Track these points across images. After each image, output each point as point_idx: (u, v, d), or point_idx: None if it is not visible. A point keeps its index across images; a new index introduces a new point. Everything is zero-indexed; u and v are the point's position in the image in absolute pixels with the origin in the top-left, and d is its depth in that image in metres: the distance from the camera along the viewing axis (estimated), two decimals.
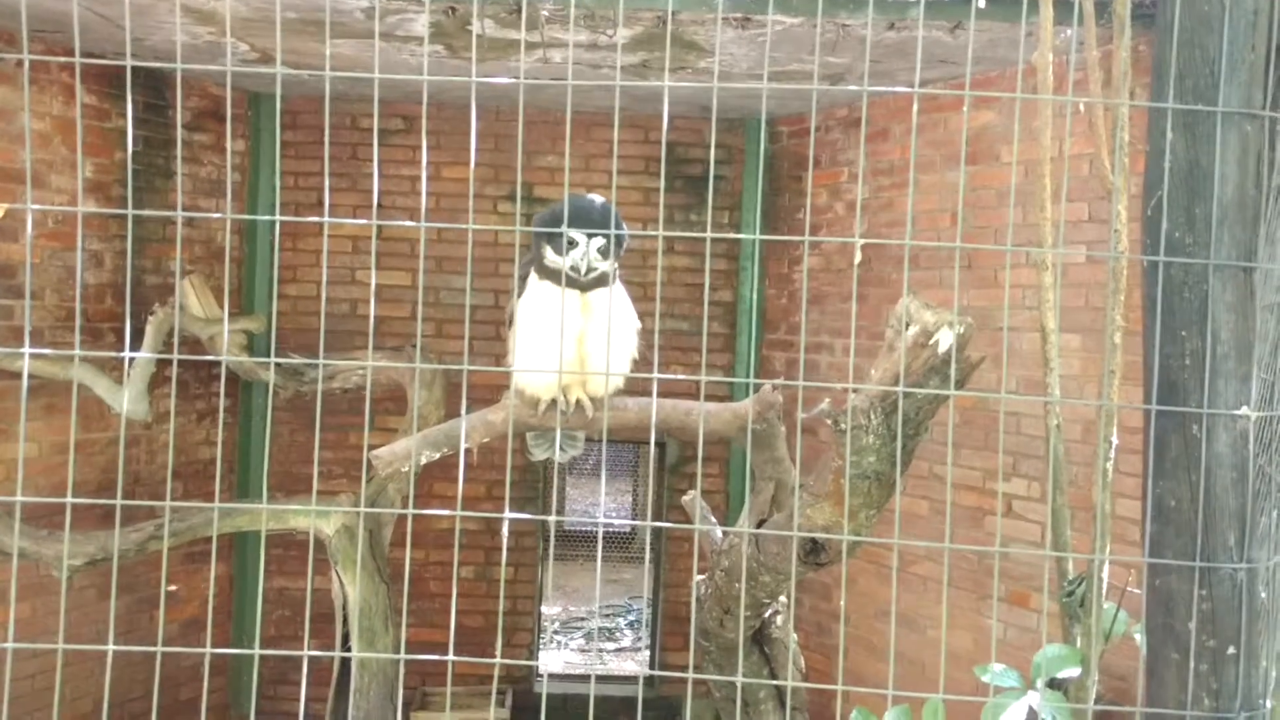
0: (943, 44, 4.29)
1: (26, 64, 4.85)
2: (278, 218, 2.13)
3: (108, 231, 5.31)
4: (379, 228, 6.07)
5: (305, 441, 6.13)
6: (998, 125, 4.72)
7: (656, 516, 6.98)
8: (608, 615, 8.32)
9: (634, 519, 9.50)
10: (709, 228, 1.96)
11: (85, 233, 5.18)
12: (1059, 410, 2.90)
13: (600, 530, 9.58)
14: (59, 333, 5.13)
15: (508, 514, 2.09)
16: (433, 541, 6.15)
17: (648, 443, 6.93)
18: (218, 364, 5.38)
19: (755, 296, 6.17)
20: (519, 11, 4.11)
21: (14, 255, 4.91)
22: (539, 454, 3.20)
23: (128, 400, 4.83)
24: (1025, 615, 4.53)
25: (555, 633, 8.13)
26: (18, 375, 4.81)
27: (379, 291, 6.16)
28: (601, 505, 10.53)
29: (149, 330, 4.95)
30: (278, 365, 5.56)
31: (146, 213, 5.45)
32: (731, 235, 2.26)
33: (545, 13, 4.08)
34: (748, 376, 6.12)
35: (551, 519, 2.04)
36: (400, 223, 5.99)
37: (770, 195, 6.13)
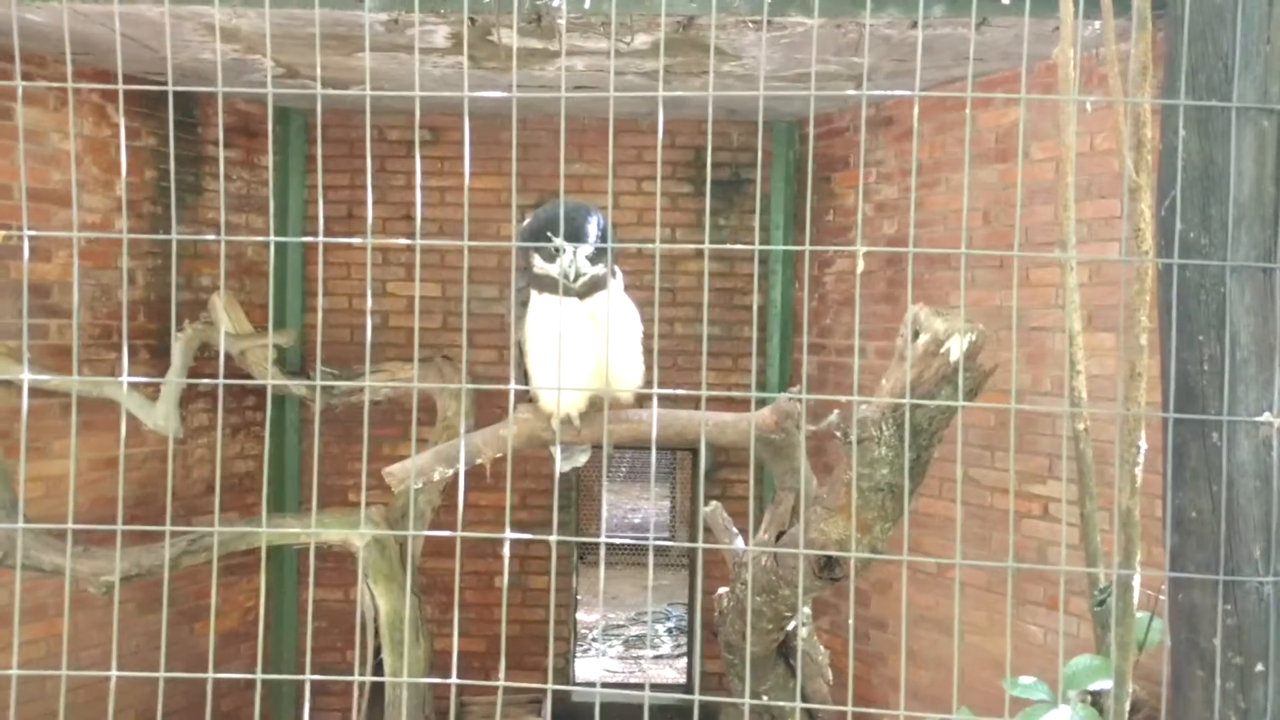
0: (967, 41, 4.21)
1: (71, 93, 4.90)
2: (320, 239, 2.14)
3: (139, 249, 5.37)
4: (407, 241, 6.09)
5: (339, 454, 6.16)
6: (1027, 122, 4.63)
7: (692, 523, 6.94)
8: (646, 622, 8.29)
9: (672, 524, 9.46)
10: (705, 235, 1.92)
11: (117, 251, 5.24)
12: (1086, 413, 2.83)
13: (651, 539, 9.55)
14: (92, 350, 5.19)
15: (509, 534, 2.07)
16: (468, 550, 6.15)
17: (683, 449, 6.89)
18: (248, 377, 5.42)
19: (783, 299, 6.11)
20: (538, 21, 4.09)
21: (48, 275, 4.97)
22: (565, 466, 3.21)
23: (160, 417, 4.88)
24: (1066, 620, 4.44)
25: (594, 640, 8.11)
26: (53, 394, 4.87)
27: (411, 304, 6.18)
28: (652, 513, 10.49)
29: (177, 347, 5.00)
30: (308, 379, 5.59)
31: (189, 237, 5.50)
32: (731, 246, 2.22)
33: (561, 21, 4.06)
34: (779, 381, 6.06)
35: (553, 539, 2.01)
36: (444, 242, 5.99)
37: (798, 197, 6.07)
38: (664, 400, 3.11)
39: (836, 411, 2.38)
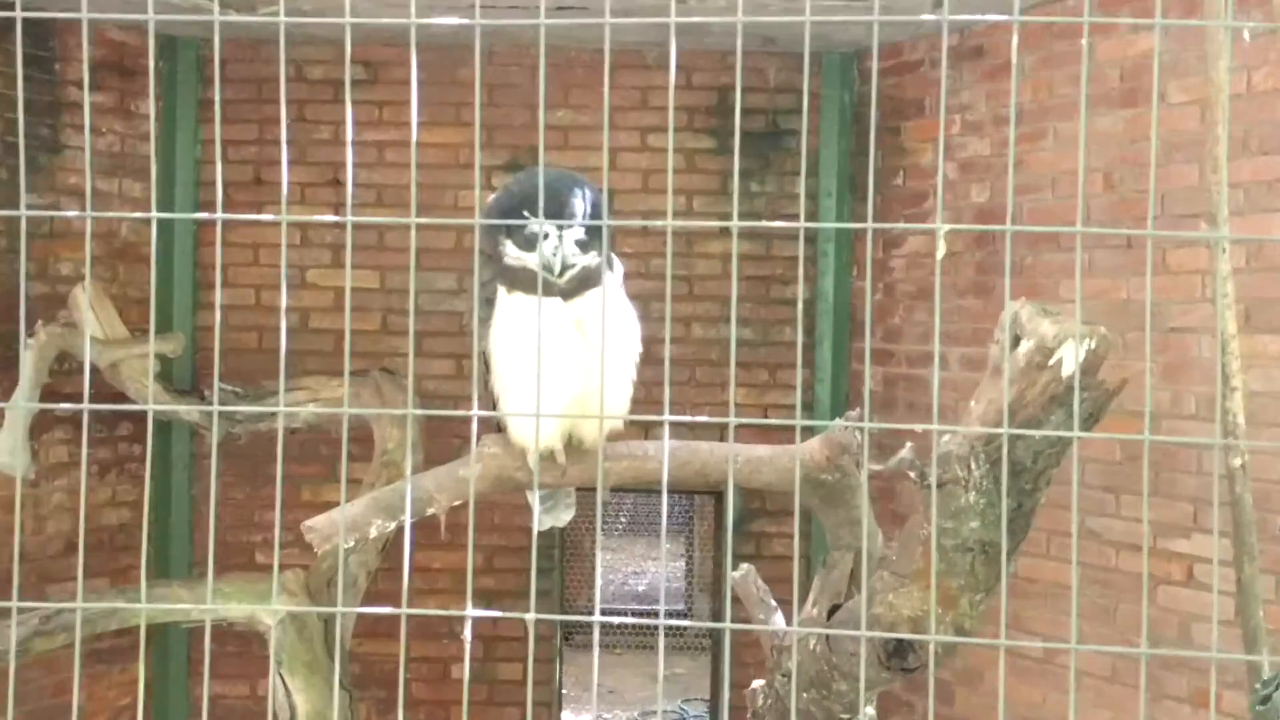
0: None
1: None
2: (220, 215, 2.11)
3: None
4: (334, 219, 6.10)
5: (243, 500, 6.16)
6: (1164, 54, 4.62)
7: (716, 592, 6.92)
8: None
9: (689, 594, 9.44)
10: (733, 207, 1.92)
11: None
12: (1244, 446, 2.83)
13: (661, 615, 9.53)
14: None
15: (471, 610, 2.06)
16: (416, 630, 6.15)
17: (703, 492, 6.88)
18: (123, 397, 5.41)
19: (837, 291, 6.11)
20: None
21: None
22: (547, 522, 3.22)
23: (4, 452, 4.88)
24: None
25: None
26: None
27: (339, 298, 6.18)
28: (663, 578, 10.49)
29: (27, 358, 5.00)
30: (203, 400, 5.58)
31: (43, 212, 5.50)
32: (767, 224, 2.22)
33: None
34: (833, 402, 6.06)
35: (529, 616, 2.00)
36: (385, 219, 6.03)
37: (857, 155, 6.06)
38: (678, 429, 3.10)
39: (910, 445, 2.37)
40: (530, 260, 2.73)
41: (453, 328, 6.14)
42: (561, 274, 2.78)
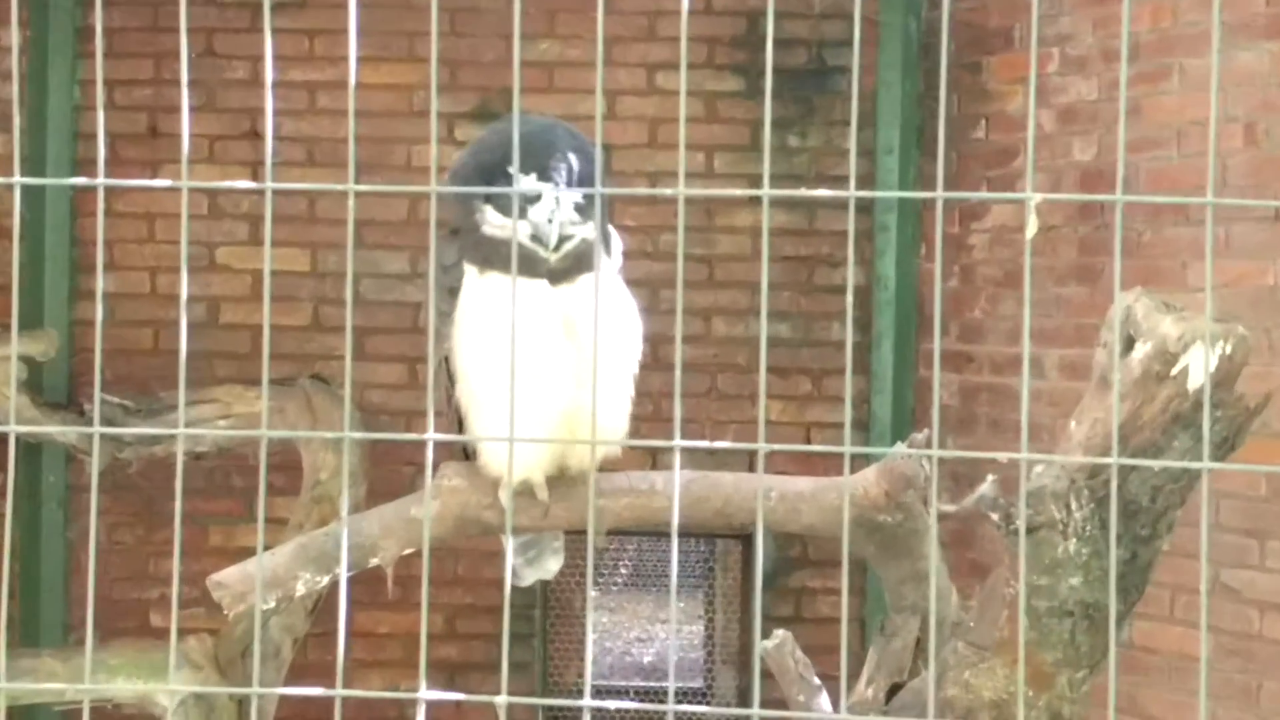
0: None
1: None
2: (101, 179, 2.11)
3: None
4: (251, 185, 6.09)
5: (134, 544, 6.16)
6: None
7: (743, 665, 6.91)
8: None
9: (709, 666, 9.42)
10: (764, 167, 1.91)
11: None
12: None
13: (671, 698, 9.54)
14: None
15: (425, 691, 2.06)
16: (355, 714, 6.14)
17: (726, 536, 6.87)
18: None
19: (900, 277, 6.11)
20: None
21: None
22: (528, 575, 3.23)
23: None
24: None
25: None
26: None
27: (258, 286, 6.18)
28: (674, 646, 10.49)
29: None
30: (82, 417, 5.58)
31: None
32: (809, 193, 2.22)
33: None
34: (894, 420, 6.05)
35: (501, 700, 1.99)
36: (317, 185, 6.03)
37: (925, 101, 6.06)
38: (694, 455, 3.10)
39: (992, 477, 2.37)
40: (520, 230, 2.73)
41: (404, 323, 6.14)
42: (557, 247, 2.78)
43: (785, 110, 6.21)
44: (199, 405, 5.56)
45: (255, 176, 6.16)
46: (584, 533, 2.93)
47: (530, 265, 2.74)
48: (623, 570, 10.63)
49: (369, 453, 5.59)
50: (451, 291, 2.87)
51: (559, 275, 2.81)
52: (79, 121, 6.26)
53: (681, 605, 10.40)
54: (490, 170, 2.79)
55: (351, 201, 1.96)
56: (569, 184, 2.77)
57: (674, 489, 2.83)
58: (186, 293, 2.13)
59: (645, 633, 10.93)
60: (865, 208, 6.16)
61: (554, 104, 5.98)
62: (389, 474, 5.65)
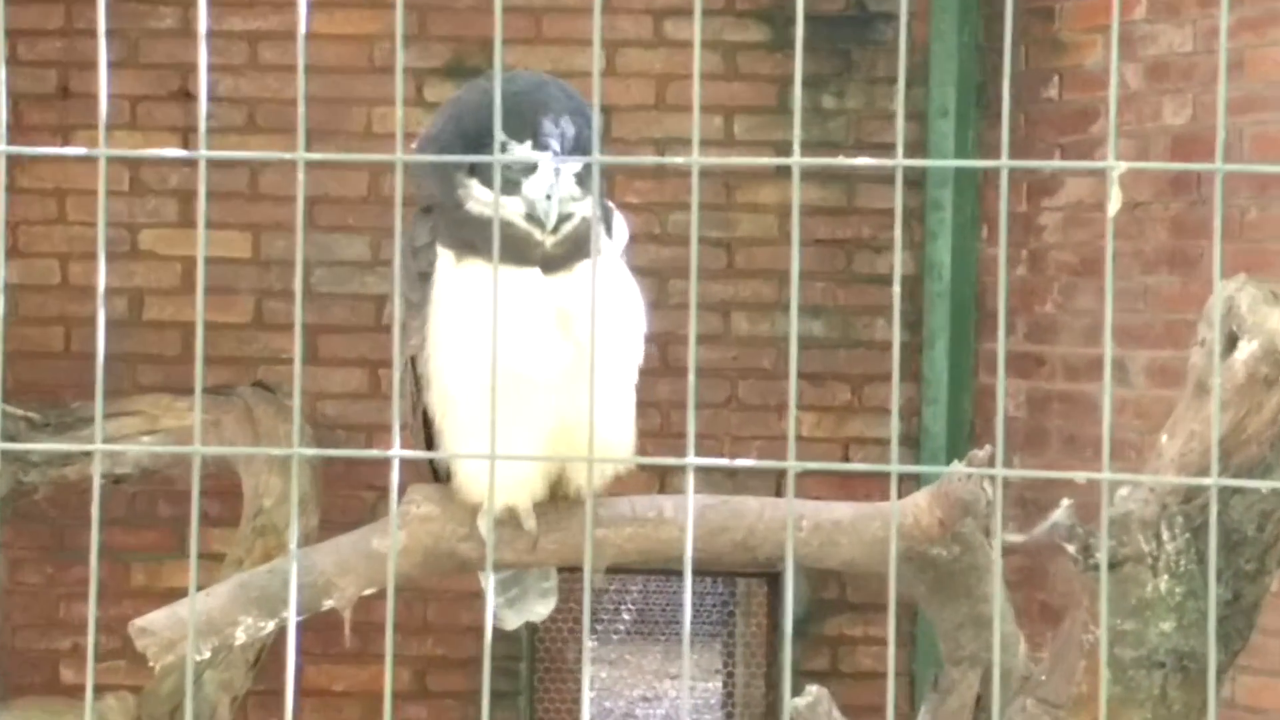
0: None
1: None
2: (5, 149, 2.12)
3: None
4: (182, 153, 6.11)
5: (42, 584, 6.18)
6: None
7: None
8: None
9: None
10: (795, 133, 1.91)
11: None
12: None
13: None
14: None
15: None
16: None
17: (749, 574, 6.88)
18: None
19: (955, 264, 6.12)
20: None
21: None
22: (511, 619, 3.25)
23: None
24: None
25: None
26: None
27: (189, 276, 6.20)
28: (687, 706, 10.52)
29: None
30: None
31: None
32: (848, 160, 2.22)
33: None
34: (949, 434, 6.06)
35: None
36: (262, 154, 6.05)
37: (985, 53, 6.06)
38: (710, 476, 3.10)
39: (1067, 502, 2.37)
40: (512, 208, 2.73)
41: (364, 320, 6.17)
42: (556, 228, 2.79)
43: (819, 65, 6.22)
44: (119, 418, 5.56)
45: (186, 144, 6.19)
46: (579, 570, 2.93)
47: (520, 251, 2.75)
48: (625, 615, 10.63)
49: (321, 474, 5.60)
50: (422, 277, 2.87)
51: (554, 263, 2.82)
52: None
53: (695, 657, 10.42)
54: (474, 138, 2.79)
55: (301, 174, 1.96)
56: (565, 153, 2.78)
57: (687, 517, 2.83)
58: (105, 283, 2.13)
59: (652, 690, 10.94)
60: (915, 181, 6.17)
61: (542, 58, 6.01)
62: (345, 499, 5.66)
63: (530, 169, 2.76)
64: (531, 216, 2.77)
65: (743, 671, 9.65)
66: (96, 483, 2.17)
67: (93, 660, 1.98)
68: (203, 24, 1.87)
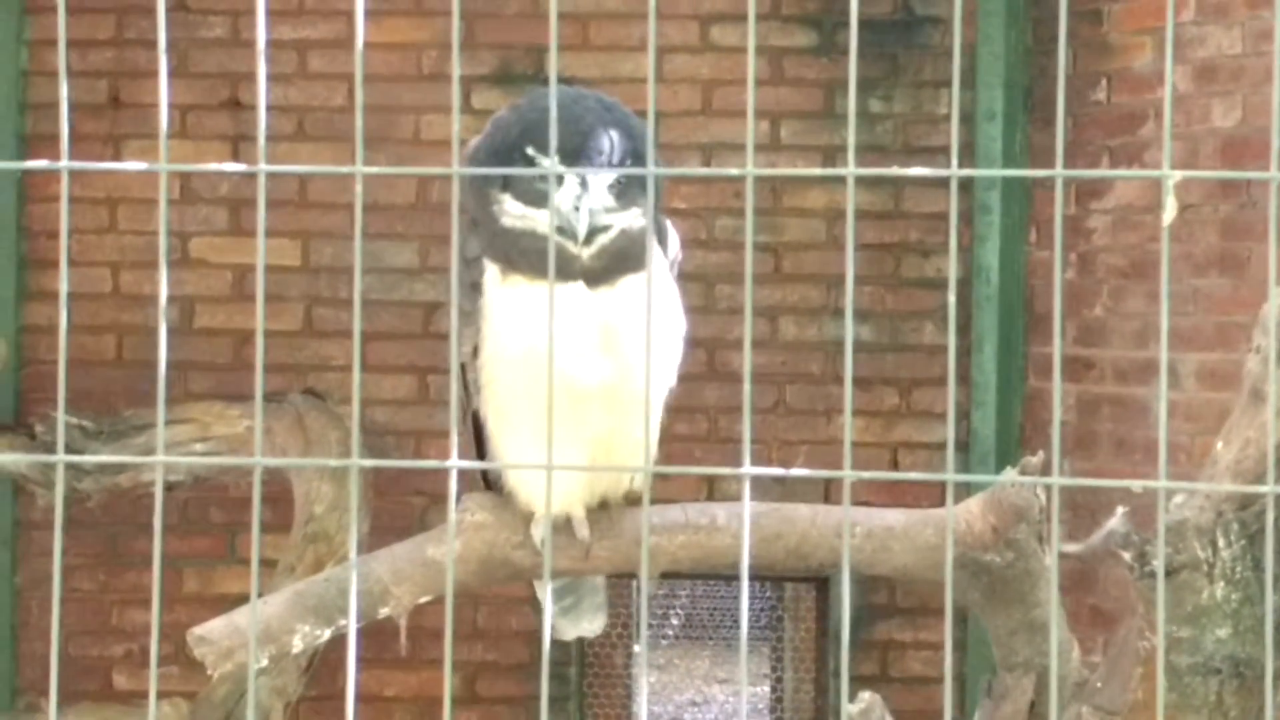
0: None
1: None
2: (67, 165, 2.12)
3: None
4: (239, 168, 6.12)
5: (97, 590, 6.19)
6: None
7: None
8: None
9: None
10: (849, 140, 1.92)
11: None
12: None
13: None
14: None
15: None
16: None
17: (798, 579, 6.86)
18: None
19: (1005, 268, 6.10)
20: None
21: None
22: (566, 629, 3.27)
23: None
24: None
25: None
26: None
27: (241, 285, 6.21)
28: (741, 711, 10.49)
29: None
30: (33, 440, 5.61)
31: None
32: (891, 171, 2.23)
33: None
34: (1000, 440, 6.04)
35: None
36: (313, 168, 6.07)
37: (1037, 55, 6.04)
38: (759, 483, 3.10)
39: (1122, 510, 2.37)
40: (543, 221, 2.73)
41: (413, 327, 6.17)
42: (588, 240, 2.79)
43: (866, 69, 6.21)
44: (172, 426, 5.58)
45: (236, 153, 6.19)
46: (628, 576, 2.93)
47: (561, 265, 2.74)
48: (674, 620, 10.59)
49: (374, 483, 5.61)
50: (474, 287, 2.87)
51: (596, 277, 2.82)
52: (26, 90, 6.28)
53: (749, 663, 10.39)
54: (506, 153, 2.80)
55: (359, 187, 1.97)
56: (609, 165, 2.77)
57: (741, 525, 2.84)
58: (166, 296, 2.14)
59: (701, 694, 10.91)
60: (963, 185, 6.14)
61: (589, 64, 6.00)
62: (395, 505, 5.67)
63: (560, 181, 2.76)
64: (562, 228, 2.75)
65: (791, 676, 9.62)
66: (159, 494, 2.18)
67: (155, 667, 1.99)
68: (261, 36, 1.87)
